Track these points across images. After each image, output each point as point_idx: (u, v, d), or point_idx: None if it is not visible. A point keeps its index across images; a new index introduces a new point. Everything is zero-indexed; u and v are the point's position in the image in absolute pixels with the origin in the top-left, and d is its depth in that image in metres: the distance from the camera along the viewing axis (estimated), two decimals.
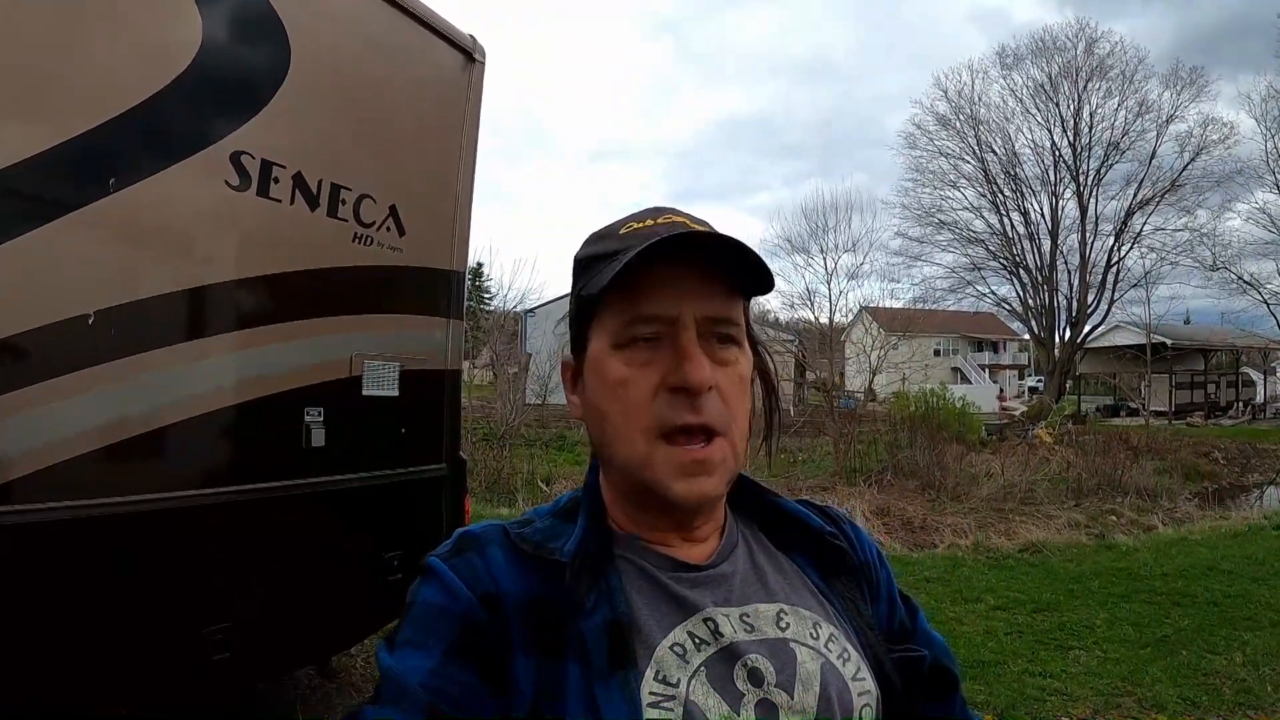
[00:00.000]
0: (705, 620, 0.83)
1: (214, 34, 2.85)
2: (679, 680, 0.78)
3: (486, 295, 31.15)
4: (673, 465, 0.82)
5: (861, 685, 0.85)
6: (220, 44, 2.89)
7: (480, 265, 31.13)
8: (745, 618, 0.85)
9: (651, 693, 0.77)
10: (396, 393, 3.72)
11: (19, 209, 2.36)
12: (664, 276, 0.82)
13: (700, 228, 0.84)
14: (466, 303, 4.32)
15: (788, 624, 0.86)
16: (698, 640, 0.82)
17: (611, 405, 0.84)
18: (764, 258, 0.82)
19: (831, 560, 0.97)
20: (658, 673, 0.78)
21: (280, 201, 3.13)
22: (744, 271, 0.84)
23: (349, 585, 3.50)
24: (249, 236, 3.06)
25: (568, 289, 0.89)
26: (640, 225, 0.87)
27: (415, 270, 3.86)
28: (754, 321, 0.94)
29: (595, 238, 0.91)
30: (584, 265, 0.89)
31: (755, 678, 0.81)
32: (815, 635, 0.87)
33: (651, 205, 0.92)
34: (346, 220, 3.44)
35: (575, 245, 0.88)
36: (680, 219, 0.86)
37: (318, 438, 3.30)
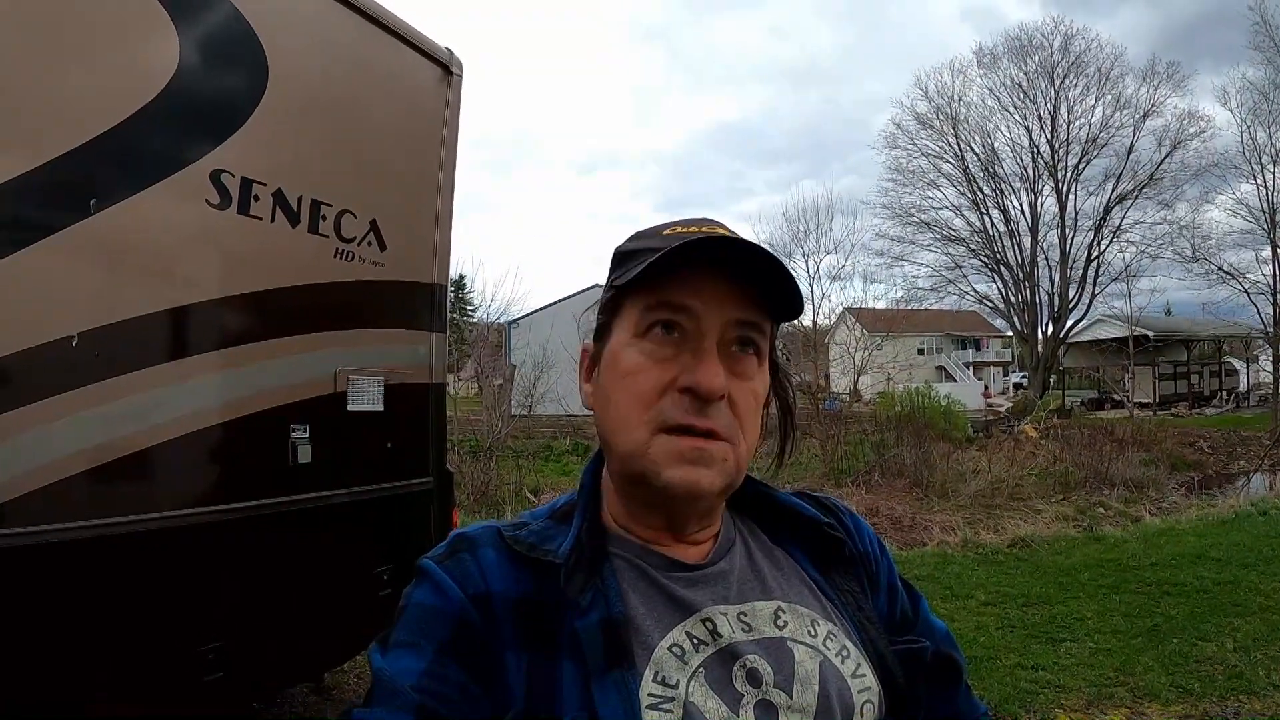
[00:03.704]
0: (704, 620, 0.83)
1: (190, 54, 2.85)
2: (678, 681, 0.78)
3: (469, 307, 31.04)
4: (670, 451, 0.81)
5: (861, 682, 0.85)
6: (197, 63, 2.88)
7: (463, 277, 31.05)
8: (743, 616, 0.86)
9: (651, 694, 0.77)
10: (381, 407, 3.71)
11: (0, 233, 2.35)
12: (698, 277, 0.83)
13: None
14: (449, 315, 4.31)
15: (785, 622, 0.87)
16: (696, 641, 0.82)
17: (621, 394, 0.85)
18: None
19: (828, 552, 0.97)
20: (657, 674, 0.78)
21: (261, 219, 3.12)
22: (776, 292, 0.84)
23: (340, 601, 3.47)
24: (231, 255, 3.05)
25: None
26: (684, 230, 0.88)
27: (397, 284, 3.86)
28: None
29: (638, 235, 0.93)
30: (622, 257, 0.90)
31: (754, 678, 0.81)
32: (813, 633, 0.87)
33: (699, 216, 0.92)
34: (328, 236, 3.43)
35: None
36: (724, 230, 0.87)
37: (304, 454, 3.29)
